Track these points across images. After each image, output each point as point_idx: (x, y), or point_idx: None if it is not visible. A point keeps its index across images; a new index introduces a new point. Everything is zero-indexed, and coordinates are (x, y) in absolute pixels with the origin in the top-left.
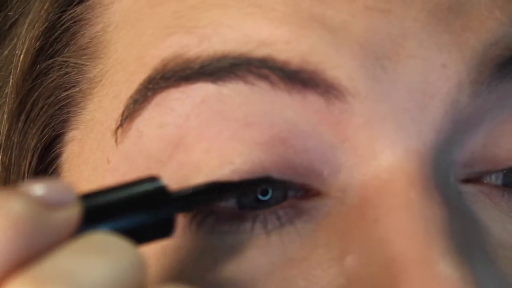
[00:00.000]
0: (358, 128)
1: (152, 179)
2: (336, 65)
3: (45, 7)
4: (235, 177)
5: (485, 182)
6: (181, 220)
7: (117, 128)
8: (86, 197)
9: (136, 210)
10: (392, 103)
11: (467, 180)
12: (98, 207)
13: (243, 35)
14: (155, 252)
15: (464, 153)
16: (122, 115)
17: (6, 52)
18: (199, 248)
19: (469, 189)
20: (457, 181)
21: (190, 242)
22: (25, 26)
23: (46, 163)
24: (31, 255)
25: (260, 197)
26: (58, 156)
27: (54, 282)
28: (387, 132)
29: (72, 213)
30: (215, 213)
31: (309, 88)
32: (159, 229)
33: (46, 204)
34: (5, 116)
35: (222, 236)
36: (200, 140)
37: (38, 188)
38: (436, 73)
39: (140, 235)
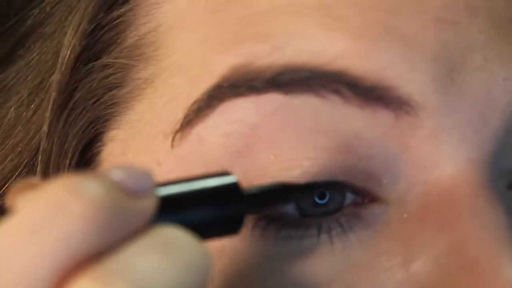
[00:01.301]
0: (422, 139)
1: (225, 173)
2: (409, 81)
3: (91, 6)
4: (303, 179)
5: None
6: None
7: (176, 132)
8: (161, 187)
9: (208, 203)
10: (458, 116)
11: (509, 186)
12: (172, 198)
13: (318, 47)
14: (214, 254)
15: (511, 160)
16: (184, 120)
17: (45, 48)
18: (262, 253)
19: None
20: (506, 188)
21: (253, 246)
22: (70, 26)
23: (84, 162)
24: (105, 246)
25: (317, 200)
26: (96, 154)
27: (121, 281)
28: (451, 143)
29: (150, 202)
30: (279, 219)
31: (381, 104)
32: (228, 225)
33: (127, 191)
34: (46, 115)
35: (286, 242)
36: (268, 147)
37: (118, 173)
38: (498, 86)
39: (209, 229)
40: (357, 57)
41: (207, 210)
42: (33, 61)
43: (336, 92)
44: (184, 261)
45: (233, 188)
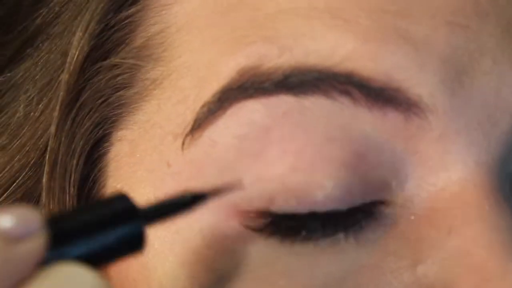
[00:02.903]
0: (431, 142)
1: (118, 195)
2: (419, 83)
3: (100, 7)
4: (328, 203)
5: None
6: (249, 225)
7: (187, 135)
8: (52, 221)
9: (102, 228)
10: (467, 118)
11: None
12: (65, 231)
13: (327, 48)
14: (228, 262)
15: None
16: (195, 122)
17: (54, 47)
18: (276, 253)
19: None
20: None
21: (262, 248)
22: (79, 26)
23: (91, 162)
24: None
25: None
26: (103, 154)
27: None
28: (460, 146)
29: (38, 243)
30: (296, 221)
31: (390, 105)
32: (129, 245)
33: (12, 238)
34: (55, 114)
35: (303, 243)
36: (283, 156)
37: (4, 220)
38: (507, 89)
39: (111, 252)
40: (366, 58)
41: (103, 234)
42: (41, 60)
43: (346, 93)
44: None
45: (127, 208)
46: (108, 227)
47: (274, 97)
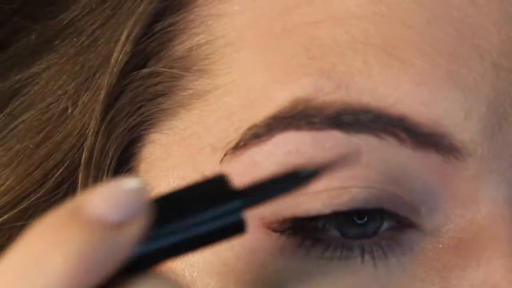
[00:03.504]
0: (464, 180)
1: (217, 176)
2: (464, 129)
3: (147, 11)
4: (352, 205)
5: None
6: (289, 244)
7: (229, 151)
8: (154, 201)
9: (204, 208)
10: (501, 160)
11: None
12: (167, 211)
13: (382, 89)
14: (257, 274)
15: None
16: (239, 141)
17: (92, 47)
18: (305, 272)
19: None
20: None
21: (297, 265)
22: (124, 30)
23: (123, 161)
24: (92, 284)
25: (356, 220)
26: (134, 154)
27: None
28: (491, 184)
29: (137, 226)
30: (323, 239)
31: (433, 148)
32: (230, 227)
33: (109, 226)
34: (94, 115)
35: (329, 262)
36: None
37: (99, 206)
38: None
39: (213, 233)
40: (419, 103)
41: (204, 215)
42: (76, 56)
43: (395, 135)
44: None
45: (226, 187)
46: (208, 210)
47: (325, 132)
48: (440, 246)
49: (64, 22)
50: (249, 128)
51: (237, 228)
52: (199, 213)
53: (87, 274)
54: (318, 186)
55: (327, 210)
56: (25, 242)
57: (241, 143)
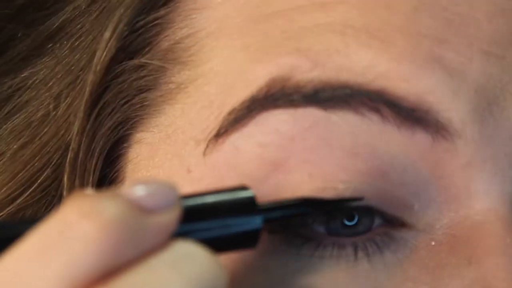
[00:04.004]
0: (457, 169)
1: (243, 188)
2: (450, 108)
3: (130, 8)
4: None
5: None
6: (278, 243)
7: (210, 140)
8: (183, 199)
9: (225, 217)
10: (494, 148)
11: None
12: (193, 211)
13: (361, 66)
14: (245, 271)
15: None
16: (220, 129)
17: (79, 46)
18: (295, 271)
19: None
20: None
21: (287, 264)
22: (108, 27)
23: (109, 162)
24: (119, 264)
25: (346, 222)
26: (121, 155)
27: None
28: (485, 176)
29: (171, 217)
30: (313, 238)
31: (419, 126)
32: (245, 239)
33: (144, 209)
34: (79, 114)
35: (322, 261)
36: (303, 164)
37: (138, 189)
38: None
39: (226, 242)
40: (400, 79)
41: (225, 223)
42: (65, 59)
43: (376, 110)
44: (196, 276)
45: (250, 202)
46: (228, 216)
47: (302, 109)
48: (433, 243)
49: (55, 26)
50: (229, 113)
51: (249, 241)
52: (220, 218)
53: (114, 250)
54: (301, 178)
55: None
56: (60, 210)
57: (222, 130)
